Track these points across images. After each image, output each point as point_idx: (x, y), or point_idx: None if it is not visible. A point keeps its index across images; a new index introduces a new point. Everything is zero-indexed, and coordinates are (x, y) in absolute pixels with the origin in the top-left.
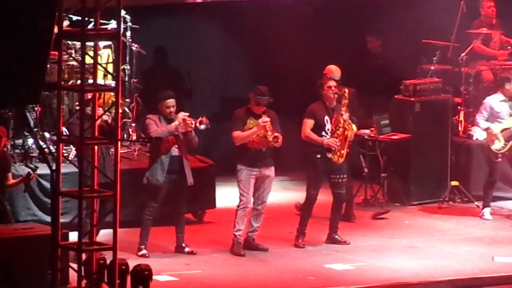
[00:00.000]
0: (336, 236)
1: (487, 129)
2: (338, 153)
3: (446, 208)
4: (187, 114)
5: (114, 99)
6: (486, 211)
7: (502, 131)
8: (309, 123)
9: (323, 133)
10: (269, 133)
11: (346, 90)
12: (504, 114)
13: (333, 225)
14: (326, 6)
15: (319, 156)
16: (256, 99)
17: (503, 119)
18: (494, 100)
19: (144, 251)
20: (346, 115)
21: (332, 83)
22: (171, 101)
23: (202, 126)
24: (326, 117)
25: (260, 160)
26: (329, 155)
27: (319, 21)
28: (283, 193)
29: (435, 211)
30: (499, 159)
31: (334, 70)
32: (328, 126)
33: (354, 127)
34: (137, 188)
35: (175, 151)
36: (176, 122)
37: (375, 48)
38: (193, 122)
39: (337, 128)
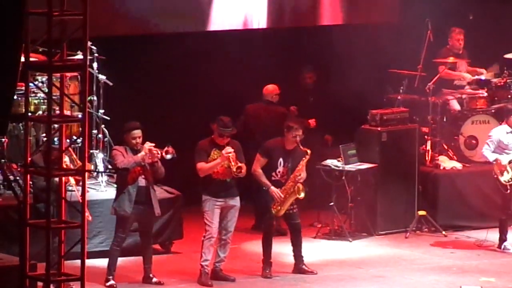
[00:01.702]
0: (303, 266)
1: (496, 161)
2: (279, 207)
3: (413, 237)
4: (153, 144)
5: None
6: (508, 245)
7: (510, 162)
8: (261, 161)
9: (273, 173)
10: (233, 163)
11: (308, 151)
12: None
13: (297, 255)
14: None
15: (264, 188)
16: (219, 130)
17: (511, 151)
18: (501, 132)
19: (112, 282)
20: (303, 175)
21: (298, 134)
22: (137, 132)
23: (168, 156)
24: (281, 159)
25: (225, 191)
26: (273, 208)
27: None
28: (250, 222)
29: (402, 241)
30: (509, 191)
31: (272, 89)
32: (280, 169)
33: (302, 194)
34: (105, 218)
35: (142, 181)
36: (143, 153)
37: (311, 83)
38: (159, 152)
39: (287, 182)
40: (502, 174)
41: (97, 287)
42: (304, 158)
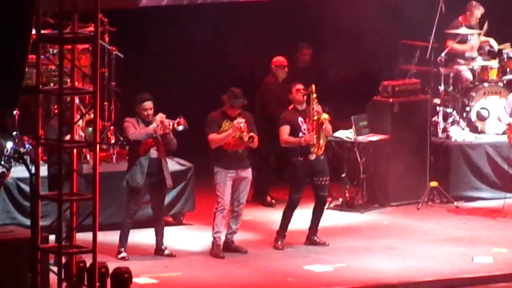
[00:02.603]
0: (316, 238)
1: (509, 125)
2: (315, 148)
3: (425, 209)
4: (165, 115)
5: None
6: None
7: None
8: (285, 129)
9: (301, 134)
10: (245, 133)
11: (313, 86)
12: None
13: (313, 227)
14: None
15: (301, 159)
16: (230, 101)
17: None
18: None
19: (123, 254)
20: (317, 107)
21: (299, 86)
22: (149, 104)
23: (180, 127)
24: (300, 119)
25: (237, 162)
26: (311, 157)
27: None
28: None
29: (414, 212)
30: None
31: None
32: (304, 126)
33: (325, 115)
34: (116, 191)
35: (153, 153)
36: (154, 125)
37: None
38: (171, 124)
39: (311, 123)
40: None
41: (109, 259)
42: (312, 93)
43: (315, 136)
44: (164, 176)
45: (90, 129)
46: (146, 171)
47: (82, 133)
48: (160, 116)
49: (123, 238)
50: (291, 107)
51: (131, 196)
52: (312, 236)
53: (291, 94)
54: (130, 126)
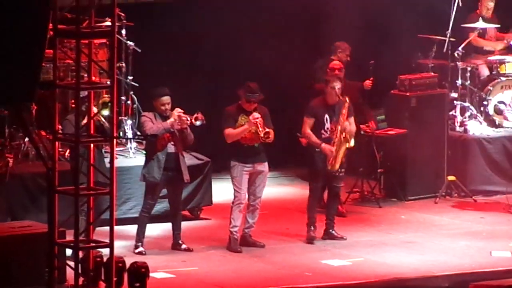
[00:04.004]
0: (333, 232)
1: None
2: (333, 161)
3: (443, 202)
4: (182, 111)
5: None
6: None
7: None
8: (309, 122)
9: (322, 131)
10: (260, 129)
11: (347, 99)
12: None
13: (329, 220)
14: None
15: (317, 149)
16: (246, 96)
17: None
18: None
19: (141, 249)
20: (346, 124)
21: (337, 85)
22: (166, 98)
23: (198, 122)
24: (326, 116)
25: (253, 156)
26: (327, 165)
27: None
28: (278, 189)
29: (432, 206)
30: None
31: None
32: (328, 125)
33: (352, 141)
34: (133, 185)
35: (171, 148)
36: (172, 119)
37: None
38: (189, 119)
39: (335, 135)
40: None
41: (126, 254)
42: (343, 106)
43: (334, 152)
44: (181, 171)
45: (105, 112)
46: (163, 166)
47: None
48: (178, 111)
49: (140, 233)
50: (321, 98)
51: (148, 191)
52: (329, 230)
53: (327, 87)
54: (147, 120)
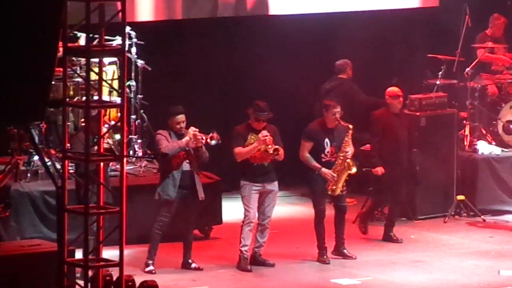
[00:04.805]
0: (344, 250)
1: None
2: (334, 186)
3: (452, 222)
4: (197, 129)
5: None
6: None
7: None
8: (307, 146)
9: (322, 155)
10: (270, 146)
11: (350, 126)
12: None
13: (339, 238)
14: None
15: (317, 172)
16: (256, 115)
17: None
18: None
19: (151, 267)
20: (350, 151)
21: (337, 111)
22: (181, 117)
23: (213, 142)
24: (326, 140)
25: (263, 175)
26: (328, 191)
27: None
28: (288, 208)
29: (441, 226)
30: None
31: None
32: (328, 149)
33: (354, 169)
34: (143, 205)
35: (186, 166)
36: (187, 138)
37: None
38: (204, 138)
39: (337, 160)
40: None
41: (135, 273)
42: (347, 134)
43: (335, 178)
44: (196, 189)
45: (117, 136)
46: (178, 184)
47: (110, 141)
48: (193, 130)
49: (152, 250)
50: (319, 120)
51: (163, 209)
52: (340, 248)
53: (327, 111)
54: (162, 139)
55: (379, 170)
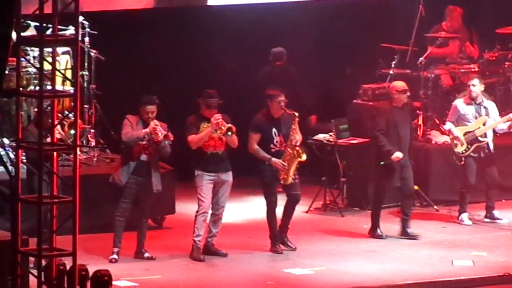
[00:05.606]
0: (285, 239)
1: (448, 131)
2: (285, 175)
3: None
4: (159, 123)
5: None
6: (464, 217)
7: (465, 134)
8: (255, 137)
9: (271, 145)
10: (223, 127)
11: (296, 113)
12: (470, 117)
13: (284, 225)
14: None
15: (267, 163)
16: (206, 102)
17: (469, 122)
18: (460, 102)
19: (114, 256)
20: (298, 138)
21: (282, 99)
22: (151, 107)
23: (166, 142)
24: (274, 129)
25: (217, 163)
26: (280, 181)
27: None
28: (241, 198)
29: (395, 215)
30: (462, 162)
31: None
32: (276, 138)
33: (304, 156)
34: (96, 194)
35: (143, 156)
36: (147, 129)
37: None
38: (161, 134)
39: (286, 149)
40: (456, 146)
41: (90, 261)
42: (294, 121)
43: (286, 166)
44: (151, 180)
45: (73, 131)
46: (131, 171)
47: (62, 132)
48: (154, 123)
49: (116, 237)
50: (264, 112)
51: (118, 194)
52: (281, 235)
53: (271, 101)
54: (127, 125)
55: (399, 155)
